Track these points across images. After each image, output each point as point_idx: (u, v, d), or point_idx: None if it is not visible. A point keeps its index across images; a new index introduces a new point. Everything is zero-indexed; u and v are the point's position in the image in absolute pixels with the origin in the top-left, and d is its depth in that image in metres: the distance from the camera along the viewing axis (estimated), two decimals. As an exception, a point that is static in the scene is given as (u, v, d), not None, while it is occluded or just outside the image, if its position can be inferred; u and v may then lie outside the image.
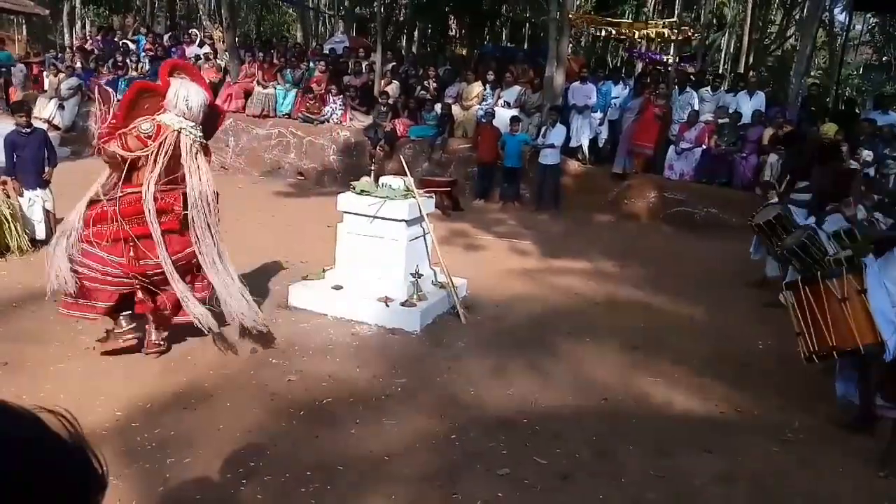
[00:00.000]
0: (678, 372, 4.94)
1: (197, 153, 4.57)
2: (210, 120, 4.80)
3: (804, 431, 4.21)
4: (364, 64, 13.89)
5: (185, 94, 4.47)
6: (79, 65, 14.81)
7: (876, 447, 3.95)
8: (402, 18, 21.84)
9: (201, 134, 4.63)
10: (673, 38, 12.88)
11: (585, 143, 11.47)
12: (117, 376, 4.36)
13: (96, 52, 15.84)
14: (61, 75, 14.00)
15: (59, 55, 16.59)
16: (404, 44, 20.75)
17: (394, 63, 14.18)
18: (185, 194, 4.51)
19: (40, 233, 6.86)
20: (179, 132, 4.48)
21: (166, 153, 4.43)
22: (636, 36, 13.96)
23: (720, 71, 19.62)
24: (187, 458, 3.50)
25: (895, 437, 3.87)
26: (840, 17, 22.46)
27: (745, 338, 5.73)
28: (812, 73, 21.07)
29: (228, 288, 4.62)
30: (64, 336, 4.85)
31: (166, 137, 4.44)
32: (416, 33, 21.96)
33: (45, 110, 12.83)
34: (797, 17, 23.59)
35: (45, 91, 14.19)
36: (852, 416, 4.25)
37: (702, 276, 7.52)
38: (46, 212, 6.95)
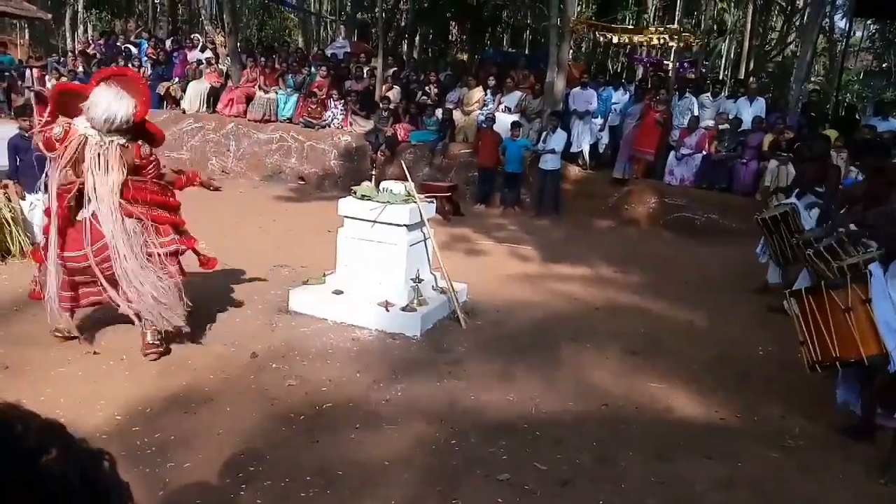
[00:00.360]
0: (678, 377, 4.93)
1: (101, 161, 4.42)
2: (137, 136, 4.66)
3: (805, 438, 4.20)
4: (365, 69, 13.93)
5: (95, 103, 4.36)
6: (81, 69, 14.84)
7: (877, 455, 3.94)
8: (403, 24, 21.90)
9: (114, 141, 4.44)
10: (673, 44, 12.93)
11: (586, 149, 11.51)
12: (117, 380, 4.36)
13: (98, 56, 15.85)
14: (63, 79, 14.01)
15: (62, 59, 16.64)
16: (405, 49, 20.80)
17: (395, 68, 14.22)
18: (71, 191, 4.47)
19: (41, 237, 6.86)
20: (86, 138, 4.42)
21: (71, 158, 4.40)
22: (636, 43, 14.01)
23: (720, 77, 19.66)
24: (187, 462, 3.50)
25: (896, 447, 3.86)
26: (840, 23, 22.59)
27: (745, 343, 5.72)
28: (812, 80, 21.11)
29: (143, 299, 4.51)
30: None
31: (72, 142, 4.41)
32: (417, 38, 22.03)
33: (46, 114, 12.81)
34: (797, 23, 23.66)
35: (47, 95, 14.20)
36: (853, 426, 4.23)
37: (702, 282, 7.52)
38: (47, 216, 6.96)
